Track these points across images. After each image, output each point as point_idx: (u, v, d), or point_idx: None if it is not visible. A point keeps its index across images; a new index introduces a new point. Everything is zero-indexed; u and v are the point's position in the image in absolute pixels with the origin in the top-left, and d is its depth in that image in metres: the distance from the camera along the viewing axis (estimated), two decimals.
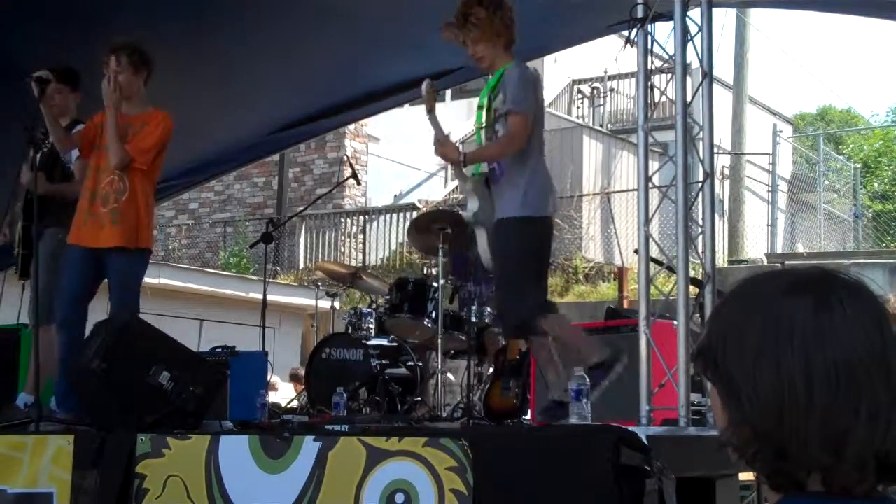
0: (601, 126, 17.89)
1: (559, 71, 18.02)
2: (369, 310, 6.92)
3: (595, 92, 19.09)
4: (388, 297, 6.70)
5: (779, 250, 14.95)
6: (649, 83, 4.93)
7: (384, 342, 6.77)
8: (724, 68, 15.68)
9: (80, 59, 5.54)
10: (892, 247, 14.79)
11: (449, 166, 16.50)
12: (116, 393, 4.40)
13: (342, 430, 4.04)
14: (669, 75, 4.89)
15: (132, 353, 4.47)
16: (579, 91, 19.25)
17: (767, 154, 16.29)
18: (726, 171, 15.28)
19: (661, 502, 3.16)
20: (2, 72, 5.88)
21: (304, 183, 16.94)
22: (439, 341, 6.10)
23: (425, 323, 6.35)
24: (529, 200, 4.55)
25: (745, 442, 1.20)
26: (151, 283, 9.70)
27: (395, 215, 15.91)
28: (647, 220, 4.75)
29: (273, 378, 8.95)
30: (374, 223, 16.09)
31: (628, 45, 4.89)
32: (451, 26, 4.68)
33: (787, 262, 12.00)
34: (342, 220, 16.28)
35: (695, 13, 4.89)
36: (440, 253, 6.19)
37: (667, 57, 5.02)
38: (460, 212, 4.96)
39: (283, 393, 9.95)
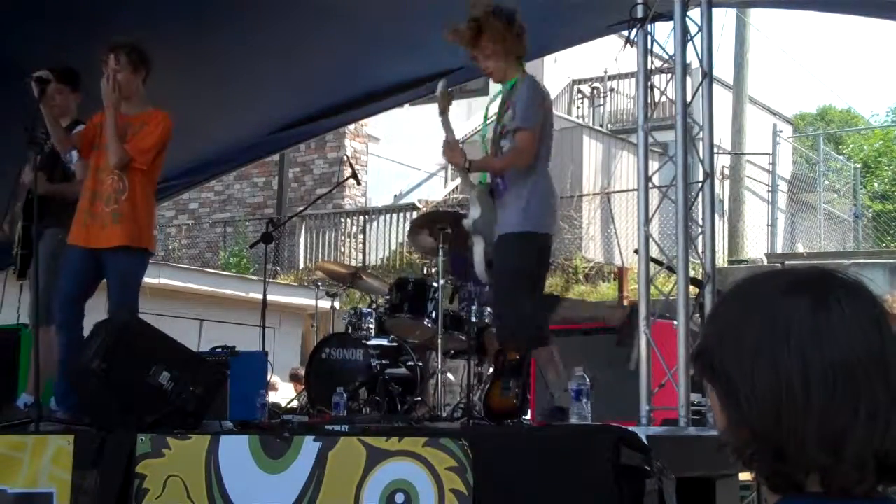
0: (601, 126, 17.88)
1: (559, 71, 18.01)
2: (369, 310, 6.92)
3: (595, 92, 19.08)
4: (388, 297, 6.70)
5: (779, 250, 14.95)
6: (649, 83, 4.93)
7: (384, 342, 6.77)
8: (724, 68, 15.70)
9: (80, 59, 5.54)
10: (892, 247, 14.78)
11: (449, 167, 16.59)
12: (116, 393, 4.40)
13: (342, 430, 4.04)
14: (669, 75, 4.89)
15: (132, 353, 4.48)
16: (579, 91, 19.25)
17: (767, 154, 16.29)
18: (726, 171, 15.28)
19: (661, 502, 3.16)
20: (2, 72, 5.88)
21: (304, 183, 16.94)
22: (439, 341, 6.10)
23: (425, 323, 6.35)
24: (531, 215, 4.59)
25: (743, 443, 1.20)
26: (151, 283, 9.70)
27: (395, 215, 15.91)
28: (647, 220, 4.75)
29: (273, 378, 8.95)
30: (374, 223, 16.09)
31: (628, 45, 4.89)
32: (456, 33, 4.69)
33: (787, 263, 12.00)
34: (342, 220, 16.28)
35: (695, 13, 4.90)
36: (440, 253, 6.19)
37: (667, 57, 5.02)
38: (462, 220, 4.98)
39: (283, 393, 9.94)
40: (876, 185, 20.48)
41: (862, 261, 12.17)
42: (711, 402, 1.27)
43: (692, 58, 4.80)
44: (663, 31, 4.96)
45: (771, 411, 1.16)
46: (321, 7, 6.35)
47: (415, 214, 15.16)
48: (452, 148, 4.73)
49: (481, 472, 3.31)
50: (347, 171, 8.18)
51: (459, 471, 3.33)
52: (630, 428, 3.47)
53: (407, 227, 14.88)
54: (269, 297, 7.22)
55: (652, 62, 4.93)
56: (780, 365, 1.16)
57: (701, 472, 3.85)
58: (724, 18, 16.45)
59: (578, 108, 19.10)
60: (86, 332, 4.98)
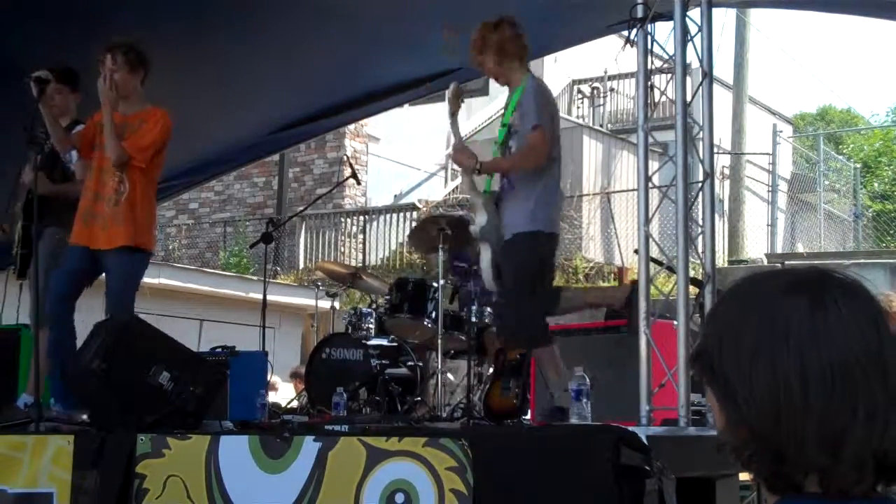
0: (601, 126, 17.87)
1: (559, 71, 18.00)
2: (369, 310, 6.92)
3: (595, 92, 19.08)
4: (388, 297, 6.70)
5: (779, 250, 14.94)
6: (649, 83, 4.93)
7: (384, 342, 6.77)
8: (724, 68, 15.70)
9: (80, 59, 5.54)
10: (892, 247, 14.77)
11: (449, 166, 16.60)
12: (116, 393, 4.40)
13: (342, 430, 4.04)
14: (669, 75, 4.89)
15: (132, 353, 4.48)
16: (579, 91, 19.24)
17: (767, 154, 16.28)
18: (726, 171, 15.28)
19: (661, 502, 3.16)
20: (2, 72, 5.88)
21: (304, 183, 16.93)
22: (439, 341, 6.10)
23: (425, 323, 6.35)
24: (539, 215, 4.61)
25: (742, 443, 1.19)
26: (151, 283, 9.70)
27: (395, 215, 15.90)
28: (647, 220, 4.75)
29: (273, 378, 8.94)
30: (374, 223, 16.08)
31: (628, 45, 4.89)
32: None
33: (787, 263, 11.99)
34: (342, 220, 16.27)
35: (695, 13, 4.89)
36: (440, 253, 6.19)
37: (667, 57, 5.01)
38: (469, 227, 5.00)
39: (283, 393, 9.94)
40: (876, 185, 20.47)
41: (862, 261, 12.16)
42: (711, 403, 1.27)
43: (692, 58, 4.80)
44: (663, 31, 4.96)
45: (769, 412, 1.16)
46: (321, 7, 6.35)
47: (415, 214, 15.17)
48: (461, 150, 4.75)
49: (481, 472, 3.31)
50: (347, 171, 8.18)
51: (459, 471, 3.33)
52: (630, 428, 3.46)
53: (407, 227, 14.90)
54: (269, 297, 7.22)
55: (652, 62, 4.93)
56: (779, 365, 1.16)
57: (701, 472, 3.85)
58: (724, 18, 16.44)
59: (578, 108, 19.09)
60: (80, 332, 5.00)
